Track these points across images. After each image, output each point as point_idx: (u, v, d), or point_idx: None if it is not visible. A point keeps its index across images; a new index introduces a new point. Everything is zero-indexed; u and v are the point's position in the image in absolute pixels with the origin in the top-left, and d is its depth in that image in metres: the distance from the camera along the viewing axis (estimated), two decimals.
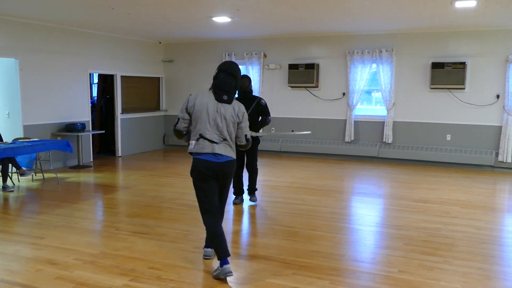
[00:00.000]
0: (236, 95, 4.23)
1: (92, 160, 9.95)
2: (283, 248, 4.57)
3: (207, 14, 7.77)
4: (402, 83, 9.74)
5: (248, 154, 6.21)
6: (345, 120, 10.24)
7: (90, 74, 10.14)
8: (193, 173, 3.86)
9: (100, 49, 10.08)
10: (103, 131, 10.28)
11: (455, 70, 9.06)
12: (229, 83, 3.86)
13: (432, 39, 9.39)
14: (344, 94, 10.23)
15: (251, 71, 10.89)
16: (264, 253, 4.43)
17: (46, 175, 8.17)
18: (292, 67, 10.44)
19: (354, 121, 10.16)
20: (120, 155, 10.74)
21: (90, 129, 9.96)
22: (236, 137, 3.94)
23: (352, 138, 10.17)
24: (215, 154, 3.77)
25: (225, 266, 3.74)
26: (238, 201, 6.39)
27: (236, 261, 4.26)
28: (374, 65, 9.86)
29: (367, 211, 6.23)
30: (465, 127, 9.31)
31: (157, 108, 12.04)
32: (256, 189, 6.47)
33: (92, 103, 10.86)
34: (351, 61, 9.95)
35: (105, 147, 11.18)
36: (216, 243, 3.79)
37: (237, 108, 3.89)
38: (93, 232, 5.18)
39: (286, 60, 10.61)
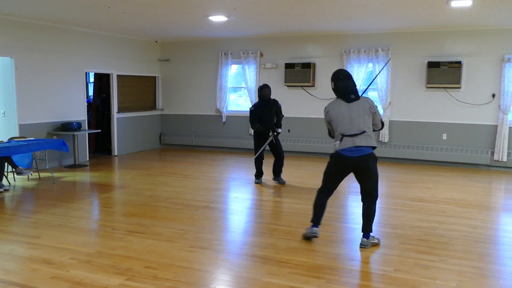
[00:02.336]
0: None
1: (88, 159, 9.92)
2: (279, 247, 4.57)
3: (203, 13, 7.76)
4: (398, 82, 9.76)
5: (276, 145, 7.43)
6: None
7: (86, 73, 10.10)
8: (331, 160, 4.59)
9: (96, 48, 10.05)
10: (99, 130, 10.26)
11: (451, 70, 9.08)
12: (348, 85, 4.50)
13: (428, 38, 9.41)
14: None
15: (247, 70, 10.88)
16: (260, 252, 4.43)
17: (42, 174, 8.14)
18: (289, 66, 10.44)
19: None
20: (116, 154, 10.71)
21: (86, 128, 9.93)
22: (373, 124, 4.53)
23: None
24: (356, 147, 4.35)
25: (313, 229, 4.64)
26: (259, 181, 7.61)
27: (232, 260, 4.26)
28: (370, 64, 9.87)
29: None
30: (461, 126, 9.34)
31: (153, 107, 12.02)
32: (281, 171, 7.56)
33: (88, 102, 10.83)
34: (347, 60, 9.95)
35: (101, 146, 11.15)
36: (317, 210, 4.66)
37: (367, 102, 4.50)
38: (89, 231, 5.17)
39: (283, 59, 10.61)
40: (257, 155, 7.45)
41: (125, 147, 10.99)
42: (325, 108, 4.61)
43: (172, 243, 4.64)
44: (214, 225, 5.38)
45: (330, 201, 6.47)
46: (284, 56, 10.62)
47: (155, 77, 11.98)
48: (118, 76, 10.66)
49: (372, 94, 10.47)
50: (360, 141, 4.34)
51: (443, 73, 9.16)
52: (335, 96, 4.62)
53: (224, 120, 11.43)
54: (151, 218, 5.58)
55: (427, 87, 9.43)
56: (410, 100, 9.67)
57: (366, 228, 4.58)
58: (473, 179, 8.14)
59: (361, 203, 4.62)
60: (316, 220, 4.69)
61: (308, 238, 4.71)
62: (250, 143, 10.97)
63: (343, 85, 4.50)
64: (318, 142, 10.45)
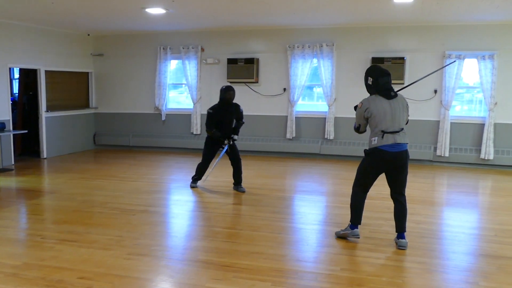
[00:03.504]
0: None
1: (13, 163, 9.47)
2: (223, 250, 4.57)
3: (139, 4, 7.60)
4: (343, 78, 10.01)
5: (233, 152, 7.05)
6: (286, 116, 10.38)
7: (10, 68, 9.66)
8: (370, 156, 4.68)
9: (22, 41, 9.60)
10: (26, 131, 9.81)
11: (395, 65, 9.40)
12: (389, 81, 4.69)
13: (372, 33, 9.71)
14: (285, 89, 10.37)
15: (188, 66, 10.79)
16: (203, 257, 4.41)
17: None
18: (231, 61, 10.44)
19: (295, 117, 10.31)
20: (45, 156, 10.30)
21: (11, 129, 9.49)
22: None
23: (294, 135, 10.33)
24: (396, 144, 4.52)
25: (356, 230, 4.81)
26: (196, 185, 7.36)
27: (173, 266, 4.21)
28: (315, 60, 10.06)
29: (309, 209, 6.35)
30: None
31: (86, 105, 11.66)
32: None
33: (13, 100, 10.36)
34: (291, 55, 10.09)
35: (28, 148, 10.69)
36: (358, 211, 4.79)
37: (404, 99, 4.77)
38: (16, 242, 4.94)
39: (225, 55, 10.60)
40: (204, 163, 7.18)
41: (55, 148, 10.59)
42: (363, 104, 4.70)
43: (108, 251, 4.52)
44: (153, 230, 5.29)
45: (273, 201, 6.58)
46: (226, 51, 10.61)
47: (87, 73, 11.62)
48: (46, 72, 10.25)
49: (317, 90, 10.71)
50: (400, 138, 4.55)
51: (388, 69, 9.43)
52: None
53: (163, 118, 11.27)
54: (84, 225, 5.41)
55: None
56: (355, 96, 9.83)
57: (403, 227, 4.71)
58: (417, 175, 8.48)
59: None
60: (358, 220, 4.83)
61: (344, 237, 4.88)
62: (192, 143, 10.92)
63: (385, 81, 4.66)
64: (263, 140, 10.53)
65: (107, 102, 11.74)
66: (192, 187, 7.32)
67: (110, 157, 10.48)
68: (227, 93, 6.88)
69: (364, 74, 4.82)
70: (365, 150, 4.76)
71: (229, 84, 7.28)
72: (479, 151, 9.28)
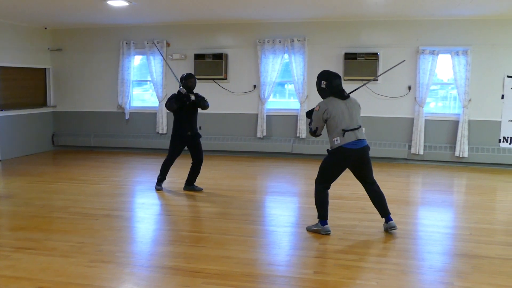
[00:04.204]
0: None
1: None
2: (192, 255, 4.56)
3: None
4: (315, 74, 9.91)
5: (197, 148, 7.25)
6: (257, 114, 10.40)
7: None
8: (335, 155, 5.07)
9: None
10: None
11: (368, 61, 9.56)
12: (341, 83, 5.19)
13: (345, 28, 9.83)
14: (255, 86, 10.40)
15: (153, 61, 10.70)
16: (170, 263, 4.39)
17: None
18: (199, 57, 10.41)
19: (266, 115, 10.35)
20: None
21: None
22: None
23: (265, 134, 10.37)
24: (358, 140, 4.99)
25: (327, 226, 5.17)
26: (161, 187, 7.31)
27: (138, 273, 4.18)
28: (286, 55, 10.12)
29: (281, 211, 6.39)
30: (378, 120, 9.86)
31: (43, 103, 11.44)
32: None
33: None
34: (262, 51, 10.12)
35: None
36: (326, 206, 5.18)
37: (354, 98, 5.27)
38: None
39: (192, 50, 10.55)
40: (170, 161, 7.24)
41: (10, 150, 10.34)
42: (320, 106, 5.08)
43: (68, 259, 4.45)
44: (117, 235, 5.23)
45: (243, 203, 6.60)
46: (193, 46, 10.57)
47: (44, 69, 11.40)
48: None
49: (289, 87, 10.77)
50: (360, 134, 5.05)
51: (360, 65, 9.62)
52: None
53: (127, 117, 11.15)
54: (43, 231, 5.31)
55: (345, 79, 9.82)
56: None
57: (386, 211, 5.23)
58: (392, 174, 8.64)
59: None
60: (326, 215, 5.20)
61: (318, 233, 5.18)
62: (158, 143, 10.83)
63: (338, 84, 5.14)
64: (232, 139, 10.53)
65: (67, 100, 11.53)
66: (157, 189, 7.27)
67: (70, 159, 10.30)
68: (189, 80, 6.99)
69: (317, 78, 5.29)
70: (328, 150, 5.16)
71: (191, 72, 7.36)
72: (453, 148, 9.50)
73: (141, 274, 4.16)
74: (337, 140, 4.98)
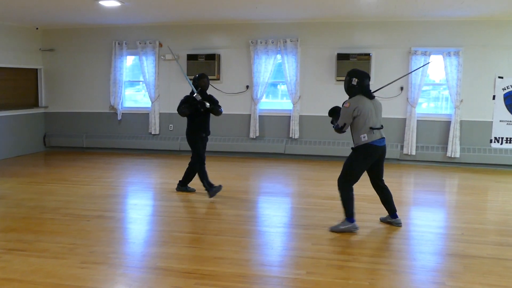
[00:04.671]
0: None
1: None
2: (185, 256, 4.55)
3: None
4: (308, 75, 10.11)
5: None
6: (250, 115, 10.40)
7: None
8: (362, 151, 5.28)
9: None
10: None
11: (360, 62, 9.58)
12: (369, 84, 5.35)
13: (338, 29, 9.85)
14: (247, 87, 10.40)
15: (145, 62, 10.67)
16: (163, 264, 4.37)
17: None
18: (191, 57, 10.39)
19: (259, 115, 10.35)
20: None
21: None
22: None
23: (257, 134, 10.37)
24: (382, 138, 5.31)
25: (355, 224, 5.35)
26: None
27: (131, 274, 4.16)
28: (279, 56, 10.13)
29: (274, 212, 6.38)
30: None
31: (35, 104, 11.38)
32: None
33: None
34: (254, 51, 10.12)
35: None
36: (353, 204, 5.34)
37: (378, 100, 5.49)
38: None
39: (185, 50, 10.53)
40: (202, 164, 6.86)
41: (1, 151, 10.28)
42: (350, 104, 5.21)
43: (60, 260, 4.43)
44: (109, 236, 5.21)
45: (237, 204, 6.60)
46: (186, 46, 10.54)
47: (36, 69, 11.34)
48: None
49: (281, 88, 10.78)
50: (383, 133, 5.36)
51: (353, 66, 9.61)
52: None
53: (119, 118, 11.11)
54: (35, 232, 5.27)
55: (337, 80, 9.87)
56: (320, 94, 10.06)
57: (394, 208, 5.60)
58: (384, 174, 8.63)
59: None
60: (353, 213, 5.34)
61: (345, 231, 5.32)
62: (150, 143, 10.81)
63: (368, 83, 5.32)
64: (225, 140, 10.52)
65: (58, 101, 11.47)
66: (212, 195, 6.74)
67: (62, 160, 10.25)
68: (201, 80, 6.87)
69: (347, 75, 5.34)
70: (354, 148, 5.32)
71: (204, 73, 7.15)
72: (445, 149, 9.56)
73: (133, 275, 4.15)
74: (364, 137, 5.18)
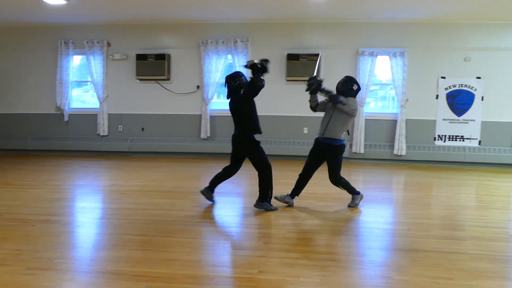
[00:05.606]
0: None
1: None
2: (135, 259, 4.47)
3: None
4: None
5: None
6: (200, 115, 10.36)
7: None
8: (341, 151, 6.17)
9: None
10: None
11: (310, 62, 9.71)
12: None
13: (288, 29, 9.95)
14: (198, 87, 10.34)
15: (93, 62, 10.45)
16: (112, 268, 4.28)
17: None
18: (140, 57, 10.25)
19: (210, 116, 10.33)
20: None
21: None
22: None
23: (209, 135, 10.34)
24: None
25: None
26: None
27: (79, 279, 4.06)
28: (229, 56, 10.12)
29: (225, 212, 6.38)
30: (320, 119, 10.00)
31: None
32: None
33: None
34: (205, 51, 10.09)
35: None
36: (349, 184, 6.39)
37: None
38: None
39: (134, 50, 10.38)
40: (270, 168, 6.21)
41: None
42: (356, 107, 5.93)
43: (4, 267, 4.26)
44: (56, 241, 5.05)
45: (187, 205, 6.56)
46: (135, 46, 10.40)
47: None
48: None
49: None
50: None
51: (303, 66, 9.76)
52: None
53: (66, 119, 10.82)
54: None
55: (287, 80, 9.97)
56: (271, 93, 10.07)
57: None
58: None
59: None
60: (355, 189, 6.41)
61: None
62: (99, 145, 10.58)
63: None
64: (176, 140, 10.44)
65: (1, 102, 11.06)
66: (273, 208, 6.19)
67: (6, 163, 9.88)
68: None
69: (349, 79, 6.08)
70: (337, 146, 6.01)
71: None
72: (392, 147, 9.84)
73: (82, 280, 4.04)
74: (344, 135, 5.98)
